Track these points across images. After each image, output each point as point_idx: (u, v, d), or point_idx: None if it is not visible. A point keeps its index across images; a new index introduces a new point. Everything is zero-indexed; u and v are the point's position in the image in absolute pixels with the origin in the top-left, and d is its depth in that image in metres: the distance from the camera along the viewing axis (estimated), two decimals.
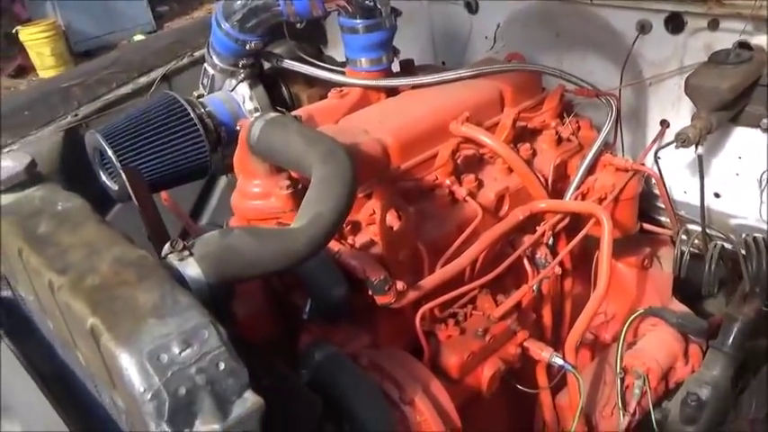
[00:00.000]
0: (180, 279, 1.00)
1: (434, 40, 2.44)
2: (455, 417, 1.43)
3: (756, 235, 1.82)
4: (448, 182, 1.66)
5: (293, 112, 1.84)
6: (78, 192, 2.20)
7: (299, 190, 1.46)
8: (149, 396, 0.84)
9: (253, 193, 1.47)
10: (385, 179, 1.58)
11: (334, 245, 1.44)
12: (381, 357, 1.45)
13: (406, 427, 1.37)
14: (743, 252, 1.83)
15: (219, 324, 0.92)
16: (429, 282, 1.47)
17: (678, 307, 2.13)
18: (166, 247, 1.02)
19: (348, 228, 1.52)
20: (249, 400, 0.92)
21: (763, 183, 1.74)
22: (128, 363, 0.85)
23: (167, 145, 1.88)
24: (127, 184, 1.38)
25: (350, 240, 1.49)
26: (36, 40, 7.67)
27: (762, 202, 1.77)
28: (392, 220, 1.50)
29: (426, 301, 1.50)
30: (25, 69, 7.96)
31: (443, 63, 2.44)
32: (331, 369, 1.36)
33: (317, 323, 1.46)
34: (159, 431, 0.85)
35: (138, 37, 8.38)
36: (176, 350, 0.87)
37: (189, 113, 1.90)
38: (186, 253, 1.02)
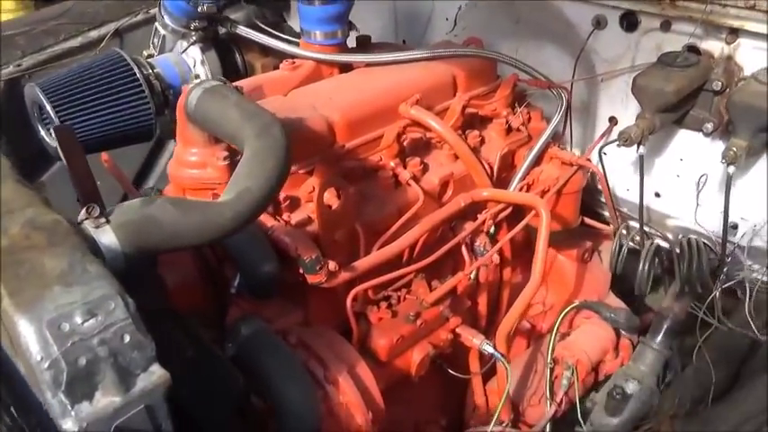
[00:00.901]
0: (94, 247, 0.97)
1: (396, 17, 2.41)
2: (379, 398, 1.44)
3: (691, 236, 1.86)
4: (392, 164, 1.64)
5: (242, 81, 1.81)
6: (17, 145, 2.14)
7: (237, 162, 1.43)
8: (46, 365, 0.82)
9: (189, 162, 1.43)
10: (328, 157, 1.56)
11: (267, 220, 1.42)
12: (310, 335, 1.45)
13: (329, 406, 1.38)
14: (677, 252, 1.86)
15: (128, 295, 0.90)
16: (363, 263, 1.47)
17: (614, 301, 2.17)
18: (82, 212, 0.99)
19: (286, 203, 1.50)
20: (155, 374, 0.90)
21: (701, 186, 1.77)
22: (26, 330, 0.83)
23: (110, 104, 1.83)
24: (57, 143, 1.34)
25: (285, 216, 1.47)
26: None
27: (698, 204, 1.80)
28: (331, 198, 1.48)
29: (360, 283, 1.50)
30: None
31: (404, 41, 2.41)
32: (256, 344, 1.35)
33: (247, 297, 1.44)
34: (56, 401, 0.83)
35: None
36: (79, 320, 0.85)
37: (134, 73, 1.85)
38: (102, 220, 0.99)
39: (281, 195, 1.50)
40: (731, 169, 1.54)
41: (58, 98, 1.77)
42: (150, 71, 1.90)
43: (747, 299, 1.71)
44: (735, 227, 1.77)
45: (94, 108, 1.80)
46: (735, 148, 1.50)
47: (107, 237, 0.98)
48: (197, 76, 1.87)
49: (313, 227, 1.48)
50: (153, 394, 0.89)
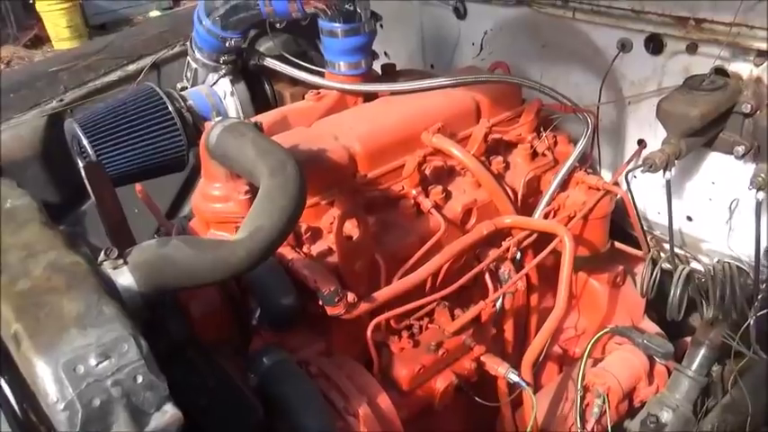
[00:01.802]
0: (111, 288, 1.01)
1: (424, 41, 2.43)
2: (399, 429, 1.45)
3: (726, 261, 1.80)
4: (414, 192, 1.66)
5: (268, 112, 1.85)
6: (60, 178, 2.24)
7: None
8: (62, 406, 0.86)
9: (213, 196, 1.48)
10: (349, 187, 1.58)
11: (288, 252, 1.45)
12: (330, 366, 1.47)
13: None
14: (711, 276, 1.81)
15: (143, 336, 0.94)
16: (383, 294, 1.48)
17: (649, 326, 2.12)
18: (101, 254, 1.04)
19: (307, 235, 1.53)
20: (168, 413, 0.93)
21: (733, 210, 1.72)
22: (43, 372, 0.87)
23: (144, 137, 1.90)
24: (85, 179, 1.40)
25: (306, 248, 1.49)
26: (53, 11, 7.70)
27: (731, 229, 1.75)
28: (351, 229, 1.50)
29: (381, 312, 1.51)
30: (41, 40, 7.99)
31: (432, 66, 2.43)
32: (277, 375, 1.38)
33: (268, 329, 1.47)
34: None
35: (154, 13, 8.40)
36: (93, 362, 0.89)
37: (167, 106, 1.91)
38: (120, 261, 1.03)
39: (303, 227, 1.53)
40: (761, 195, 1.49)
41: (95, 133, 1.85)
42: (182, 104, 1.97)
43: None
44: None
45: (129, 141, 1.87)
46: (764, 174, 1.46)
47: (124, 278, 1.03)
48: (218, 114, 1.93)
49: (333, 258, 1.51)
50: None
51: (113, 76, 2.33)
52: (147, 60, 2.36)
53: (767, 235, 1.65)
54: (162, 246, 1.07)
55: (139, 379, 0.91)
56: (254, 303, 1.44)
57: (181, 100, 1.98)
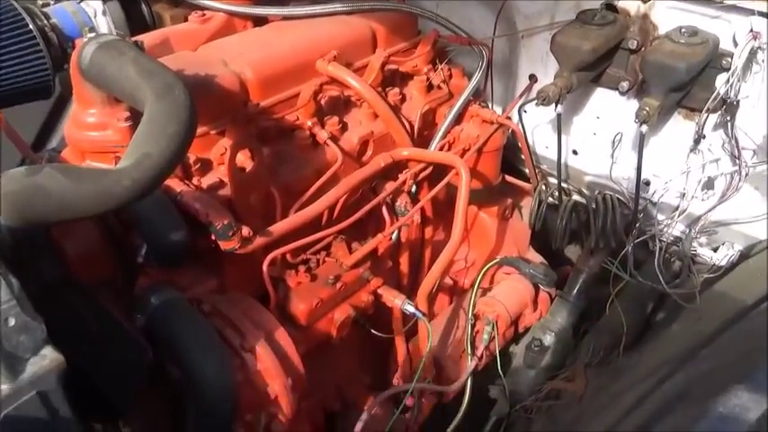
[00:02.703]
0: None
1: None
2: (298, 364, 1.42)
3: (606, 193, 1.90)
4: (309, 123, 1.59)
5: (147, 34, 1.69)
6: None
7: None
8: None
9: (88, 124, 1.33)
10: (241, 117, 1.48)
11: (176, 184, 1.35)
12: (225, 303, 1.41)
13: (246, 374, 1.35)
14: (593, 207, 1.91)
15: (13, 274, 0.84)
16: (279, 227, 1.42)
17: (534, 257, 2.22)
18: None
19: (197, 167, 1.43)
20: (47, 358, 0.85)
21: (616, 144, 1.80)
22: None
23: (2, 58, 1.68)
24: None
25: (196, 180, 1.40)
26: None
27: (614, 162, 1.83)
28: (244, 160, 1.42)
29: (277, 247, 1.46)
30: None
31: None
32: (167, 314, 1.30)
33: (156, 266, 1.38)
34: None
35: None
36: None
37: (27, 23, 1.69)
38: None
39: (192, 158, 1.43)
40: (644, 128, 1.56)
41: None
42: (45, 22, 1.74)
43: (657, 253, 1.77)
44: (647, 183, 1.81)
45: None
46: (647, 108, 1.53)
47: None
48: (92, 30, 1.73)
49: (226, 191, 1.42)
50: (45, 379, 0.84)
51: None
52: None
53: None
54: (32, 174, 0.95)
55: (11, 321, 0.81)
56: (139, 239, 1.34)
57: (43, 17, 1.76)
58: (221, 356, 1.29)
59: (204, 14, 1.75)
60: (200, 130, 1.44)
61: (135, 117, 1.34)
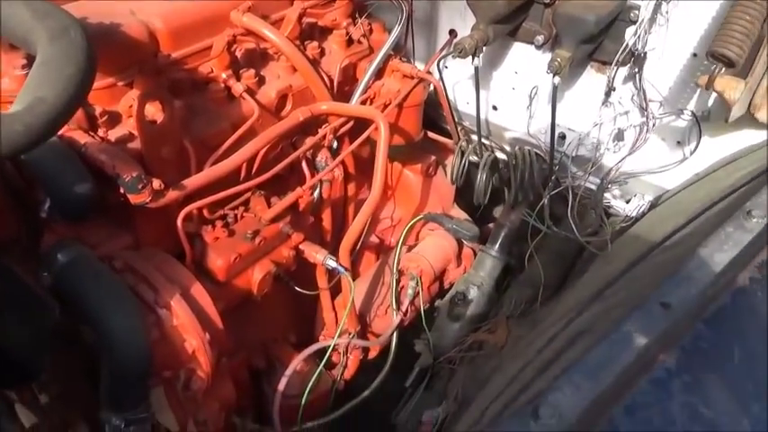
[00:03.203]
0: None
1: None
2: (217, 319, 1.41)
3: (525, 147, 1.94)
4: (224, 76, 1.55)
5: None
6: None
7: None
8: None
9: None
10: (150, 68, 1.43)
11: (81, 137, 1.30)
12: (138, 259, 1.37)
13: (162, 330, 1.32)
14: (512, 163, 1.94)
15: None
16: (194, 181, 1.39)
17: (457, 213, 2.25)
18: None
19: (104, 119, 1.37)
20: None
21: (533, 98, 1.83)
22: None
23: None
24: None
25: (102, 133, 1.35)
26: None
27: (531, 116, 1.87)
28: (155, 112, 1.37)
29: (193, 202, 1.43)
30: None
31: None
32: (75, 271, 1.25)
33: (63, 222, 1.33)
34: None
35: None
36: None
37: None
38: None
39: (98, 110, 1.37)
40: (557, 80, 1.59)
41: None
42: None
43: (571, 204, 1.82)
44: (563, 137, 1.86)
45: None
46: (559, 59, 1.56)
47: None
48: None
49: (136, 144, 1.38)
50: None
51: None
52: None
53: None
54: None
55: None
56: (42, 194, 1.28)
57: None
58: (133, 313, 1.26)
59: None
60: (107, 81, 1.38)
61: (33, 64, 1.28)
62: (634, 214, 1.86)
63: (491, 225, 2.26)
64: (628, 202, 1.92)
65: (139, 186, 1.26)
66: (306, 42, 1.74)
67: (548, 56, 1.75)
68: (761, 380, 0.80)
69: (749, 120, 1.48)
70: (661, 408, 0.76)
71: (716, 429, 0.74)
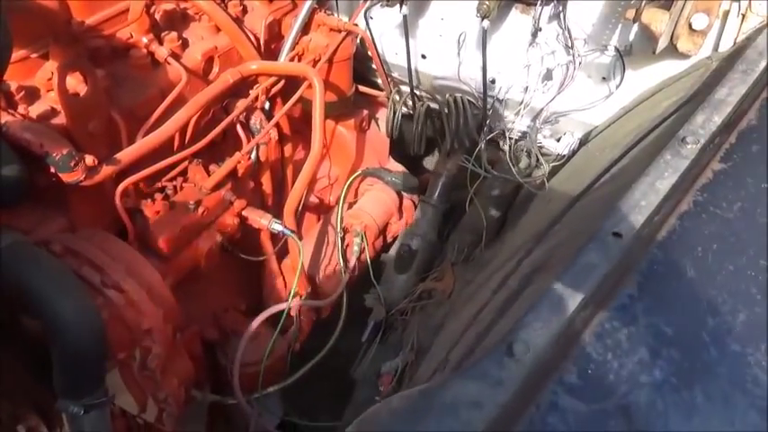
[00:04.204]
0: None
1: None
2: (168, 294, 1.37)
3: (457, 95, 1.95)
4: (145, 40, 1.47)
5: None
6: None
7: None
8: None
9: None
10: (65, 36, 1.34)
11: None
12: (77, 241, 1.31)
13: (112, 311, 1.27)
14: (445, 111, 1.95)
15: None
16: (127, 154, 1.33)
17: (395, 166, 2.26)
18: None
19: (21, 95, 1.29)
20: None
21: (461, 44, 1.84)
22: None
23: None
24: None
25: (22, 110, 1.26)
26: None
27: (460, 63, 1.87)
28: (76, 84, 1.29)
29: (128, 176, 1.37)
30: None
31: None
32: (13, 259, 1.18)
33: None
34: None
35: None
36: None
37: None
38: None
39: (13, 86, 1.29)
40: (486, 23, 1.60)
41: None
42: None
43: (507, 147, 1.85)
44: (493, 81, 1.88)
45: None
46: (487, 2, 1.56)
47: None
48: None
49: (60, 119, 1.30)
50: None
51: None
52: None
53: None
54: None
55: None
56: None
57: None
58: (79, 295, 1.20)
59: None
60: (18, 54, 1.29)
61: None
62: (566, 152, 1.92)
63: (429, 174, 2.28)
64: (558, 140, 1.97)
65: (71, 164, 1.20)
66: (227, 0, 1.67)
67: (472, 1, 1.76)
68: (713, 295, 0.85)
69: (670, 50, 1.54)
70: (628, 331, 0.80)
71: (678, 344, 0.79)
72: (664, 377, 0.76)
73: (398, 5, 1.62)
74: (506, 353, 0.83)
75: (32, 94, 1.30)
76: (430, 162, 2.39)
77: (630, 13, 1.38)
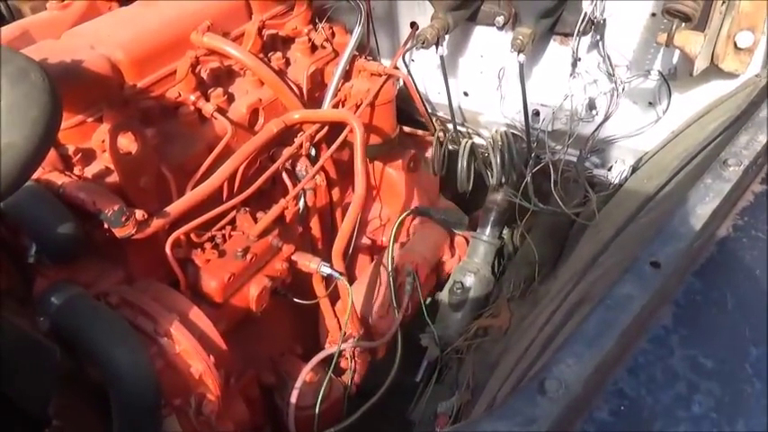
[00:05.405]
0: None
1: None
2: (219, 340, 1.41)
3: (501, 129, 1.95)
4: (192, 98, 1.55)
5: (3, 28, 1.60)
6: None
7: None
8: None
9: None
10: (117, 100, 1.43)
11: (57, 177, 1.29)
12: (133, 292, 1.37)
13: (166, 359, 1.32)
14: (491, 146, 1.95)
15: None
16: (176, 207, 1.39)
17: (445, 204, 2.26)
18: None
19: (78, 157, 1.37)
20: None
21: (501, 79, 1.84)
22: None
23: None
24: None
25: (78, 171, 1.34)
26: None
27: (502, 97, 1.88)
28: (128, 144, 1.37)
29: (179, 227, 1.43)
30: None
31: None
32: (71, 312, 1.25)
33: (54, 265, 1.32)
34: None
35: None
36: None
37: None
38: None
39: (71, 149, 1.37)
40: (521, 57, 1.60)
41: None
42: None
43: (554, 179, 1.83)
44: (537, 113, 1.87)
45: None
46: (521, 37, 1.57)
47: None
48: None
49: (113, 177, 1.37)
50: None
51: None
52: None
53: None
54: None
55: None
56: (27, 240, 1.28)
57: None
58: (134, 345, 1.25)
59: (63, 1, 1.66)
60: (75, 119, 1.38)
61: None
62: (617, 180, 1.88)
63: (479, 211, 2.27)
64: (609, 169, 1.93)
65: (123, 219, 1.26)
66: (270, 54, 1.75)
67: (510, 35, 1.77)
68: (756, 324, 0.80)
69: (715, 71, 1.50)
70: (663, 364, 0.77)
71: (718, 377, 0.75)
72: (702, 412, 0.72)
73: (435, 47, 1.65)
74: (538, 390, 0.81)
75: (89, 156, 1.39)
76: (478, 197, 2.38)
77: (663, 38, 1.36)
